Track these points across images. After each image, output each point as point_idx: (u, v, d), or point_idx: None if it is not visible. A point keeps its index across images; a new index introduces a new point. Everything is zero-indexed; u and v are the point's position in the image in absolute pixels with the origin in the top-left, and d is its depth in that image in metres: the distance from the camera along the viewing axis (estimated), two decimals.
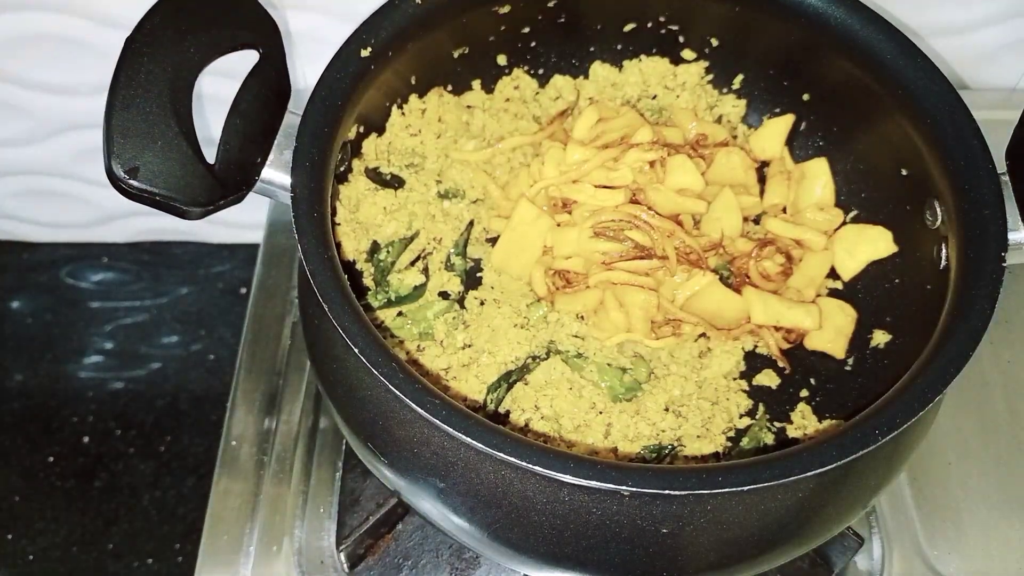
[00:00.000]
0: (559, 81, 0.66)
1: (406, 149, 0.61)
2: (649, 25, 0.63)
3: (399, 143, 0.61)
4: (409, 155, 0.61)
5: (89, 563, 0.78)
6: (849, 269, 0.61)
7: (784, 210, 0.63)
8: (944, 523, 0.63)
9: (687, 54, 0.65)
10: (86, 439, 0.83)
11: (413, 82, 0.59)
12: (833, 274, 0.62)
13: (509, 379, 0.55)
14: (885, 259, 0.60)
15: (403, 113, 0.60)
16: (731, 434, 0.55)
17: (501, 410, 0.55)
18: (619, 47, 0.65)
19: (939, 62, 0.52)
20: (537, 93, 0.66)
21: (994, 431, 0.66)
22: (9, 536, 0.79)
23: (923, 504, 0.63)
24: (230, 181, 0.46)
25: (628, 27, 0.64)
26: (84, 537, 0.79)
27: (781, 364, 0.58)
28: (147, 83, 0.43)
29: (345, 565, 0.61)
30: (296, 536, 0.63)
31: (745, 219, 0.62)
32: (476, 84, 0.64)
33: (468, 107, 0.64)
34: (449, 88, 0.63)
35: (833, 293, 0.61)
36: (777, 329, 0.59)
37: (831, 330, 0.59)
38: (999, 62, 0.77)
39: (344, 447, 0.66)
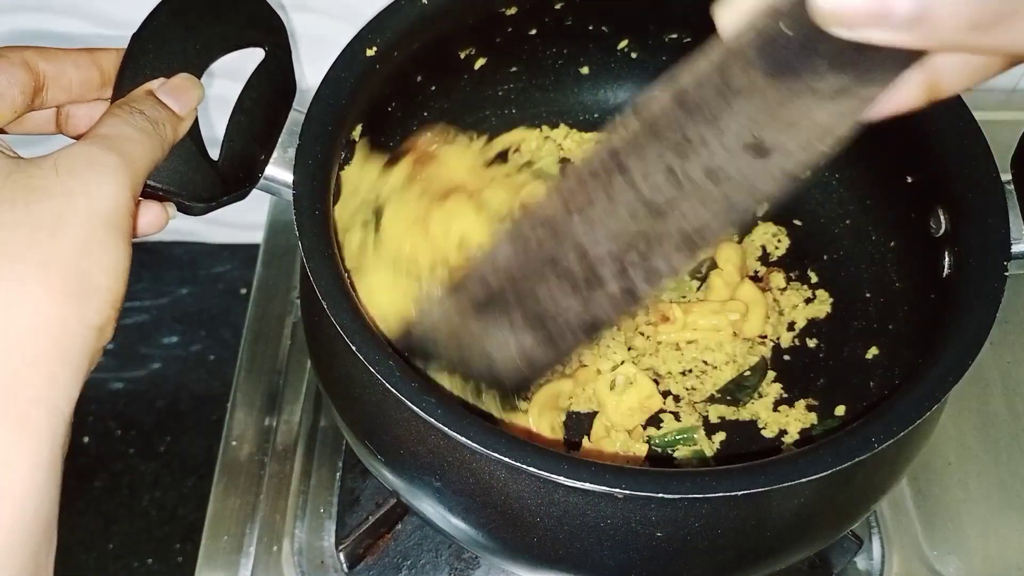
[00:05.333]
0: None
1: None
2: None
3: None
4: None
5: (89, 563, 0.78)
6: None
7: None
8: (944, 523, 0.62)
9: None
10: (86, 439, 0.83)
11: (418, 81, 0.60)
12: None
13: None
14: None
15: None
16: None
17: None
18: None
19: None
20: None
21: (994, 431, 0.66)
22: None
23: (923, 504, 0.63)
24: (233, 178, 0.46)
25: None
26: (84, 537, 0.79)
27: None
28: (152, 79, 0.43)
29: (345, 565, 0.61)
30: (296, 536, 0.63)
31: None
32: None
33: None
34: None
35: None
36: None
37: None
38: None
39: (344, 447, 0.66)
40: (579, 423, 0.57)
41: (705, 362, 0.58)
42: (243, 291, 0.91)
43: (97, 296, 0.35)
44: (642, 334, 0.58)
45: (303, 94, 0.49)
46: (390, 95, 0.58)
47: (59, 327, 0.34)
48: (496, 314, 0.45)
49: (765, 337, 0.60)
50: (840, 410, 0.57)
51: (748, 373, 0.57)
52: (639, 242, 0.40)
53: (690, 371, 0.58)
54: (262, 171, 0.48)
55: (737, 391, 0.57)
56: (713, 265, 0.61)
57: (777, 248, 0.63)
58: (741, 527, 0.45)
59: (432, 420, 0.41)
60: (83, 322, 0.35)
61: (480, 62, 0.61)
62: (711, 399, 0.57)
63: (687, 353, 0.58)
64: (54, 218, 0.35)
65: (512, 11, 0.58)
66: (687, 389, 0.57)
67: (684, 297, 0.60)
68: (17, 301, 0.33)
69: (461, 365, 0.48)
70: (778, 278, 0.62)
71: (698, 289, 0.60)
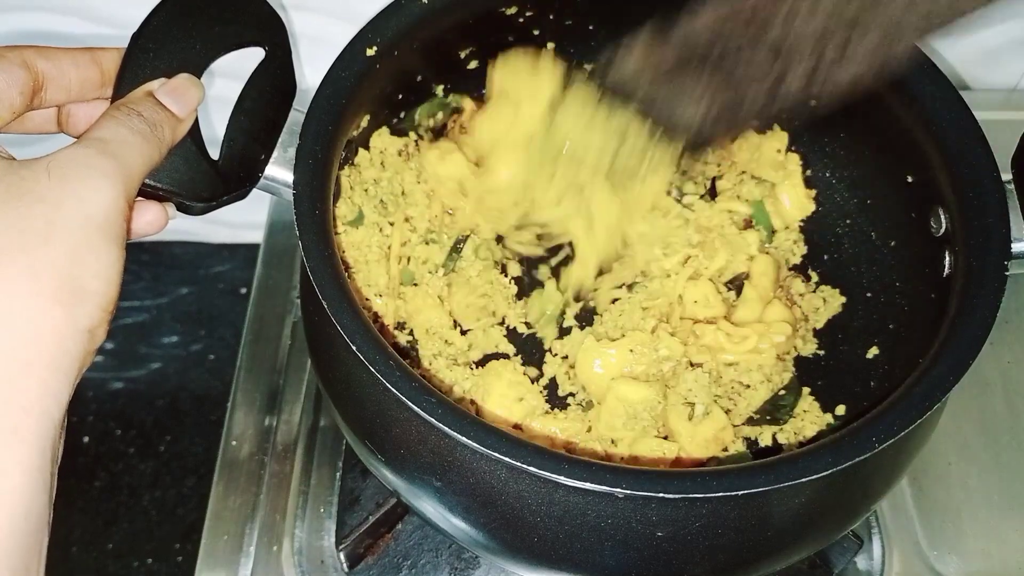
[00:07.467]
0: None
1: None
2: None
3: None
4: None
5: (89, 563, 0.78)
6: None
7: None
8: (944, 523, 0.63)
9: None
10: (86, 439, 0.83)
11: (419, 80, 0.60)
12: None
13: None
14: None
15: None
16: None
17: None
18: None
19: (940, 63, 0.52)
20: None
21: (994, 431, 0.66)
22: None
23: (923, 504, 0.63)
24: (234, 177, 0.46)
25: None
26: (84, 537, 0.79)
27: None
28: (152, 79, 0.43)
29: (345, 565, 0.61)
30: (296, 536, 0.63)
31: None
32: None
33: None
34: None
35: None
36: None
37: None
38: (999, 62, 0.77)
39: (344, 447, 0.66)
40: None
41: (740, 383, 0.57)
42: (243, 291, 0.91)
43: (89, 302, 0.35)
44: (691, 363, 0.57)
45: (303, 94, 0.49)
46: (391, 94, 0.58)
47: (51, 334, 0.34)
48: (697, 70, 0.49)
49: None
50: (840, 410, 0.57)
51: (783, 392, 0.56)
52: (832, 34, 0.45)
53: (721, 396, 0.57)
54: (262, 171, 0.48)
55: (775, 411, 0.56)
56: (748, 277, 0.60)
57: (794, 255, 0.63)
58: (741, 527, 0.45)
59: (432, 420, 0.41)
60: (75, 328, 0.34)
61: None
62: (750, 421, 0.56)
63: (725, 376, 0.57)
64: (45, 223, 0.34)
65: (512, 11, 0.58)
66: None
67: (727, 303, 0.60)
68: (9, 308, 0.33)
69: (652, 108, 0.51)
70: (798, 284, 0.62)
71: (733, 302, 0.60)
